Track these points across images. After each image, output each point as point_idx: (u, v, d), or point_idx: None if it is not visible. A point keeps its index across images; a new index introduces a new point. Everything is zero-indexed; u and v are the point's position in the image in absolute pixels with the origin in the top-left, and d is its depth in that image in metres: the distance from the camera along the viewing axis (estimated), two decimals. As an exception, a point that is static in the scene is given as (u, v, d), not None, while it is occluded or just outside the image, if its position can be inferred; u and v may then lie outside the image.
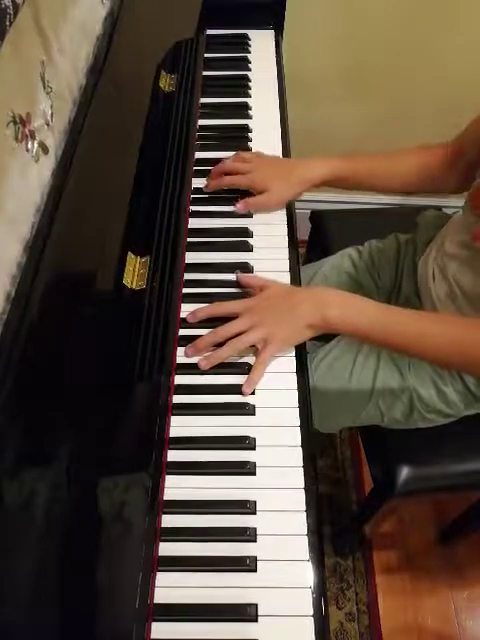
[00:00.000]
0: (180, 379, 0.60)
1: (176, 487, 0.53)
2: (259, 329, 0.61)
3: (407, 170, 0.79)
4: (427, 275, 0.81)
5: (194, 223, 0.74)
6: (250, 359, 0.62)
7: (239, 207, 0.74)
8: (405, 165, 0.79)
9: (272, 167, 0.76)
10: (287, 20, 1.00)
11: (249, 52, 0.97)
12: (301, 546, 0.51)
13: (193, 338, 0.63)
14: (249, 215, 0.75)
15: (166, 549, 0.50)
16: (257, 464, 0.55)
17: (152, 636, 0.46)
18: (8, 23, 0.39)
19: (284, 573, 0.50)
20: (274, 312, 0.62)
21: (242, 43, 0.98)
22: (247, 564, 0.49)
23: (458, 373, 0.78)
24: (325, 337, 0.92)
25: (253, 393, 0.60)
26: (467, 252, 0.73)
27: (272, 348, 0.61)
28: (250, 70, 0.95)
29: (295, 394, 0.60)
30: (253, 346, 0.62)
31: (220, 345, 0.61)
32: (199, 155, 0.81)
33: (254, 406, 0.59)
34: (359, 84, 1.30)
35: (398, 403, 0.80)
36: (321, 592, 0.49)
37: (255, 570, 0.49)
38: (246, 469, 0.54)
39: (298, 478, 0.54)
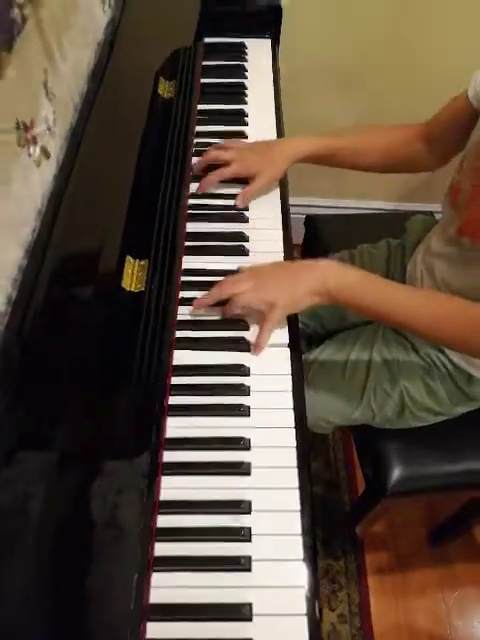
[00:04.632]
0: (176, 380, 0.61)
1: (172, 487, 0.54)
2: (263, 292, 0.63)
3: (386, 144, 0.82)
4: (415, 275, 0.83)
5: (191, 227, 0.75)
6: (246, 362, 0.63)
7: (239, 203, 0.76)
8: (384, 139, 0.82)
9: (254, 151, 0.79)
10: (283, 19, 1.00)
11: (246, 60, 0.99)
12: (295, 546, 0.51)
13: (191, 340, 0.64)
14: (246, 214, 0.77)
15: (161, 549, 0.51)
16: (252, 464, 0.56)
17: (147, 636, 0.46)
18: (16, 33, 0.40)
19: (278, 573, 0.50)
20: (277, 278, 0.65)
21: (239, 51, 1.00)
22: (242, 564, 0.50)
23: (447, 371, 0.79)
24: (317, 339, 0.94)
25: (248, 394, 0.60)
26: (451, 249, 0.74)
27: (278, 311, 0.63)
28: (246, 78, 0.96)
29: (289, 396, 0.61)
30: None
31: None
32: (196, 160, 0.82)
33: (249, 407, 0.60)
34: (355, 85, 1.29)
35: (389, 401, 0.81)
36: (315, 591, 0.49)
37: (250, 570, 0.50)
38: (241, 469, 0.55)
39: (292, 478, 0.55)
